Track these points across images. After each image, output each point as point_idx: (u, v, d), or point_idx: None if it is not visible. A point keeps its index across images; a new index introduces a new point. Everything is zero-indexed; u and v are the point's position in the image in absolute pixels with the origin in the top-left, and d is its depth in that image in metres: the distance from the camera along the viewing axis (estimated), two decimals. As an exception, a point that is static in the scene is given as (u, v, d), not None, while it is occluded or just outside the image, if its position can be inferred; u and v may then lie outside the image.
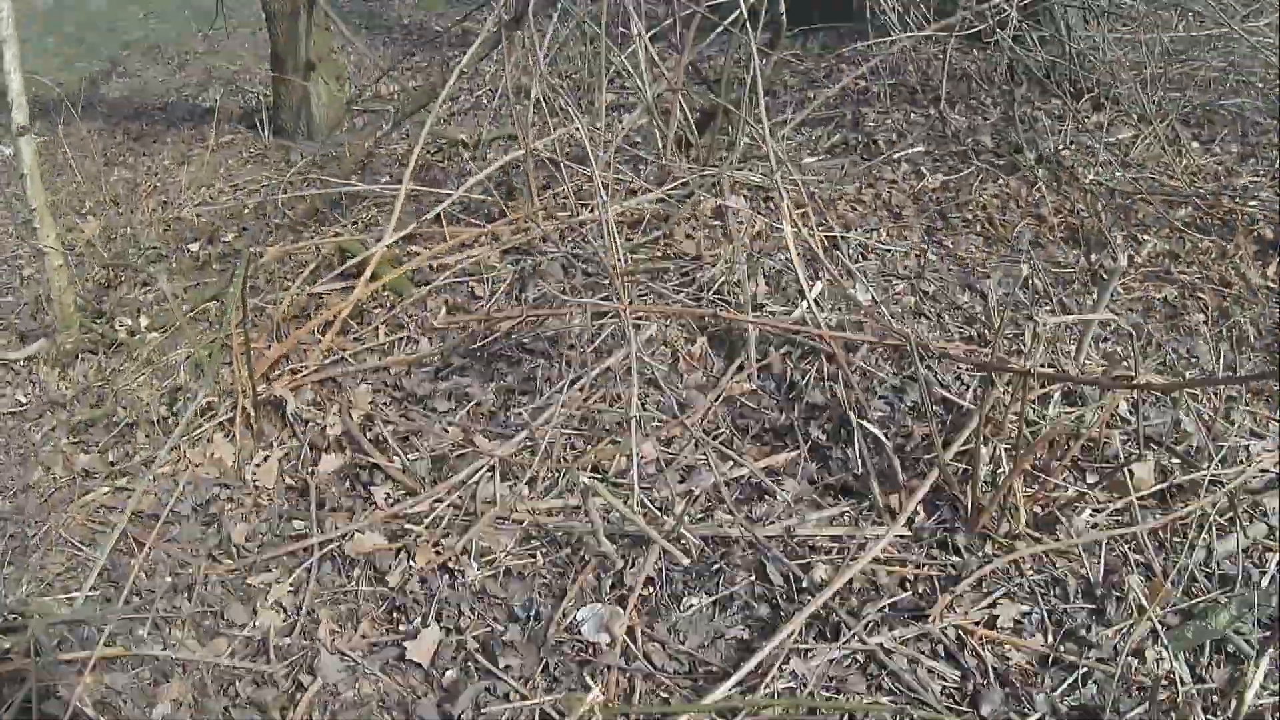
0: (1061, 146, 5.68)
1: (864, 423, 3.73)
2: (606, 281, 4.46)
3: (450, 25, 9.23)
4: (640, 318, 4.32)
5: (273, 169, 7.28)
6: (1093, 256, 4.87)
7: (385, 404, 4.29)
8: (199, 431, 4.40)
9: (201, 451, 4.32)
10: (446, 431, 4.06)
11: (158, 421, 4.55)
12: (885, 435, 3.78)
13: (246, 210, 6.61)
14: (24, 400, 5.08)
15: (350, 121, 7.79)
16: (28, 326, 5.61)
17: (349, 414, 4.20)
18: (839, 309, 4.44)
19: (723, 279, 4.53)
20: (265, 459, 4.24)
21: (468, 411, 4.15)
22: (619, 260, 4.27)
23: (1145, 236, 4.99)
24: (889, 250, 4.90)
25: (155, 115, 8.68)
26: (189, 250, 6.18)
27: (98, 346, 5.28)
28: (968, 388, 4.13)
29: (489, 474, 3.81)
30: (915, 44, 6.63)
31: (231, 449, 4.30)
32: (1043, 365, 3.86)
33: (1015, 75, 6.33)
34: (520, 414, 4.05)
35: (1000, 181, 5.45)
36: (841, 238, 4.88)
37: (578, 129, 4.70)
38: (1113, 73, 6.26)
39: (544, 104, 5.08)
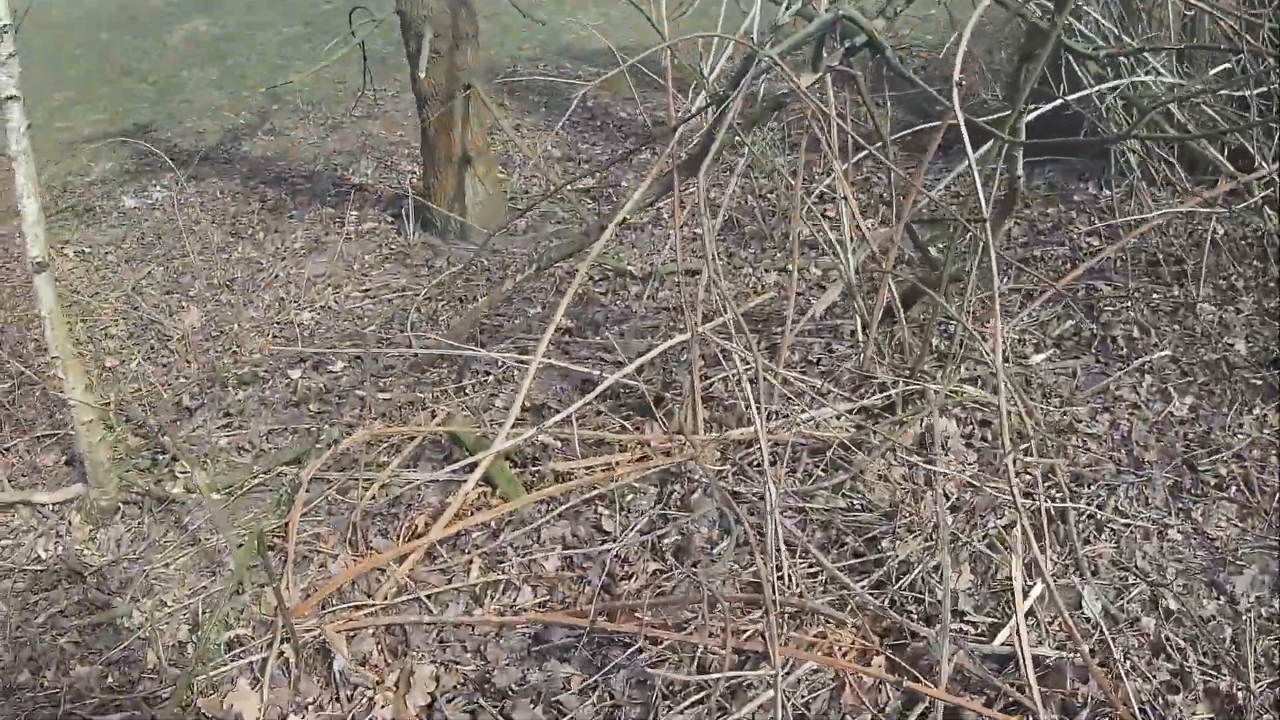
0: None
1: None
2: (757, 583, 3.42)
3: (622, 154, 8.33)
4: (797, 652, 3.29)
5: (411, 273, 6.45)
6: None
7: (454, 688, 3.31)
8: (221, 669, 3.51)
9: (219, 701, 3.42)
10: (522, 767, 3.08)
11: (169, 647, 3.68)
12: None
13: (370, 328, 5.78)
14: (43, 557, 4.27)
15: (511, 223, 6.93)
16: (80, 450, 4.80)
17: (404, 698, 3.24)
18: (1058, 630, 3.32)
19: (918, 568, 3.47)
20: (295, 730, 3.32)
21: (556, 733, 3.15)
22: (775, 587, 3.24)
23: None
24: (1127, 524, 3.75)
25: (298, 184, 7.97)
26: (288, 377, 5.34)
27: (145, 500, 4.46)
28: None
29: None
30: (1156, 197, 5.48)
31: (255, 704, 3.38)
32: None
33: (1270, 252, 5.04)
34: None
35: (1258, 412, 4.24)
36: (1072, 506, 3.75)
37: (748, 362, 3.66)
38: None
39: (716, 282, 4.11)
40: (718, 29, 4.39)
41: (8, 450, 4.98)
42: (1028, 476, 3.82)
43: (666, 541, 3.72)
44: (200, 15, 13.36)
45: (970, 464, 4.00)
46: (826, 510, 3.76)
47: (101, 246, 7.40)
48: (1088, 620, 3.29)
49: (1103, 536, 3.67)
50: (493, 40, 9.85)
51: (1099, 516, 3.72)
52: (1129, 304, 4.92)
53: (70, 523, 4.37)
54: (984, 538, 3.61)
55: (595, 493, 3.88)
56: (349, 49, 6.50)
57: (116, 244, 7.41)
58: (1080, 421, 4.24)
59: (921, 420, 4.10)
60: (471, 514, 3.89)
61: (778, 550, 3.26)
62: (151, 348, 5.94)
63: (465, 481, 3.96)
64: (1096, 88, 4.32)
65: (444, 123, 6.50)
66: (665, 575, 3.61)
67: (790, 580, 3.43)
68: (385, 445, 4.51)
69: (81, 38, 13.03)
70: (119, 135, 9.14)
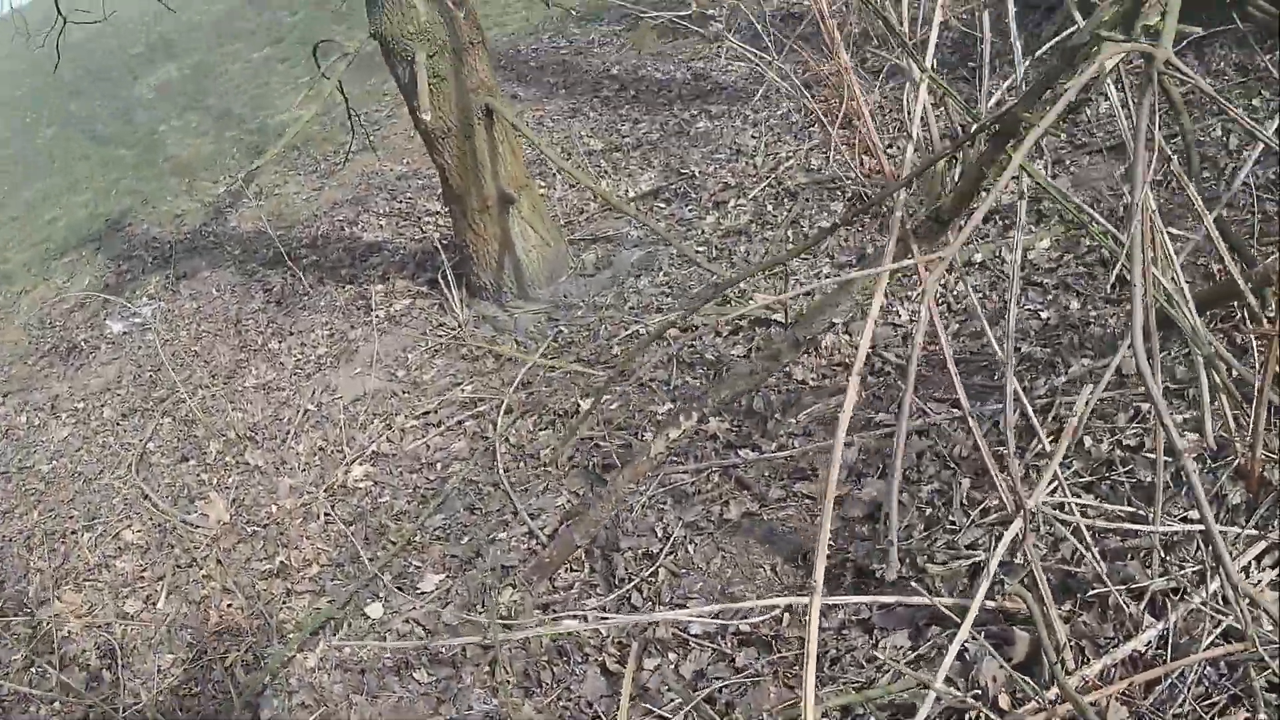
0: None
1: None
2: None
3: (820, 232, 6.06)
4: None
5: (473, 370, 4.30)
6: None
7: None
8: None
9: None
10: None
11: None
12: None
13: (451, 484, 3.68)
14: None
15: (577, 258, 4.77)
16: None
17: None
18: None
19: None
20: None
21: None
22: None
23: None
24: None
25: (303, 255, 5.69)
26: (366, 616, 3.25)
27: None
28: None
29: None
30: None
31: None
32: None
33: None
34: None
35: None
36: None
37: None
38: None
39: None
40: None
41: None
42: None
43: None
44: (166, 61, 11.06)
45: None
46: None
47: (96, 396, 5.28)
48: None
49: None
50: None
51: None
52: None
53: None
54: None
55: None
56: (321, 88, 4.35)
57: (112, 389, 5.28)
58: None
59: None
60: None
61: None
62: (177, 565, 3.87)
63: None
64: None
65: (466, 163, 4.30)
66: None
67: None
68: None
69: (52, 110, 10.83)
70: (90, 241, 6.98)
